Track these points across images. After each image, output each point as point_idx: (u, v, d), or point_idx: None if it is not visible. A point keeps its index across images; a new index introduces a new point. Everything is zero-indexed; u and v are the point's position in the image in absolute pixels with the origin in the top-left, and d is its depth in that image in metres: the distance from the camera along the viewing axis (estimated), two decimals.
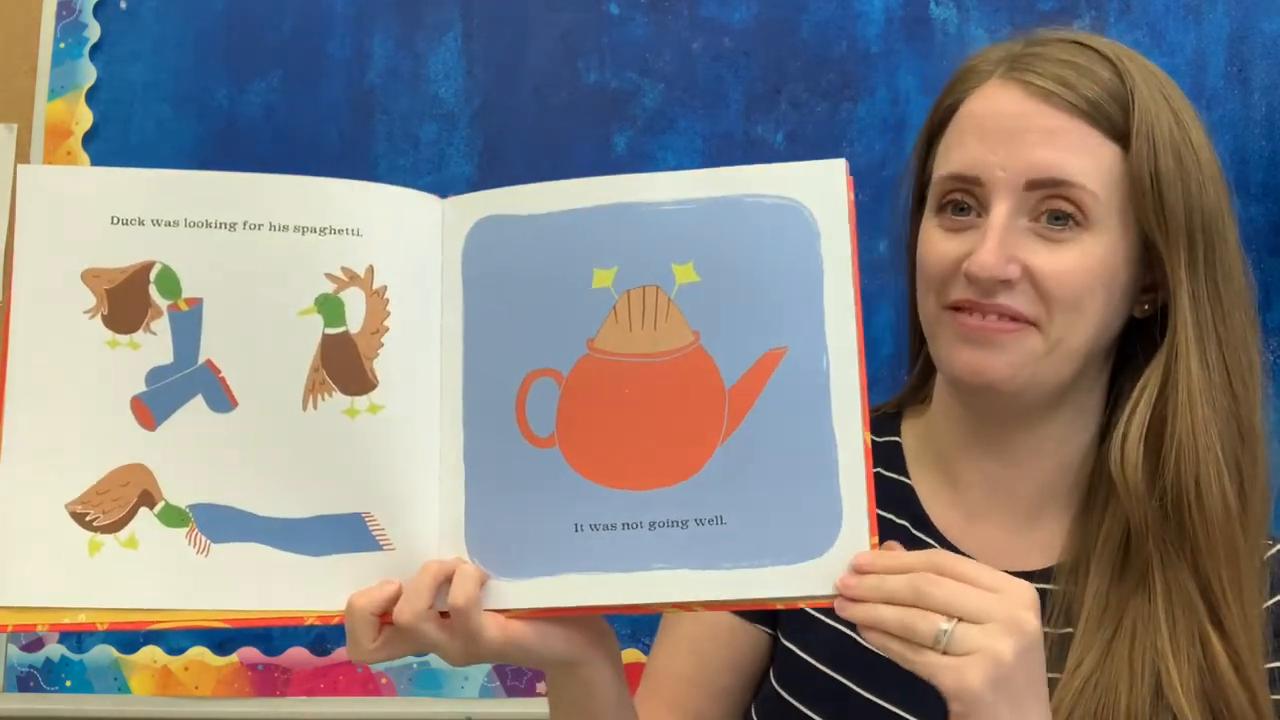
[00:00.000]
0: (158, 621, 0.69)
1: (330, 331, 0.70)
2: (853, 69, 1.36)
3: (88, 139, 1.35)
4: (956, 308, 0.79)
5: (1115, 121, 0.76)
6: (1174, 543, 0.77)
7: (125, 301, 0.70)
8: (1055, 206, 0.76)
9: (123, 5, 1.37)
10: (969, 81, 0.82)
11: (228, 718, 1.31)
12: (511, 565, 0.69)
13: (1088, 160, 0.76)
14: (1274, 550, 0.82)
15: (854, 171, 0.69)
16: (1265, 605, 0.80)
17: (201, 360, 0.70)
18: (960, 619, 0.62)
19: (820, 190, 0.68)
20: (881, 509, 0.82)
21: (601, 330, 0.69)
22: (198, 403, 0.70)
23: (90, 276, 0.70)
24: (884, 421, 0.93)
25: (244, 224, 0.70)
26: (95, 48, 1.36)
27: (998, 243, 0.76)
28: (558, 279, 0.70)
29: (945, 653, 0.62)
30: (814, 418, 0.67)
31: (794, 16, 1.37)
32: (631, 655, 1.31)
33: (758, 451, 0.67)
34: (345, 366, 0.70)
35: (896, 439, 0.91)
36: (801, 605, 0.67)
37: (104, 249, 0.71)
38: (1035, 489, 0.84)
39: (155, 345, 0.70)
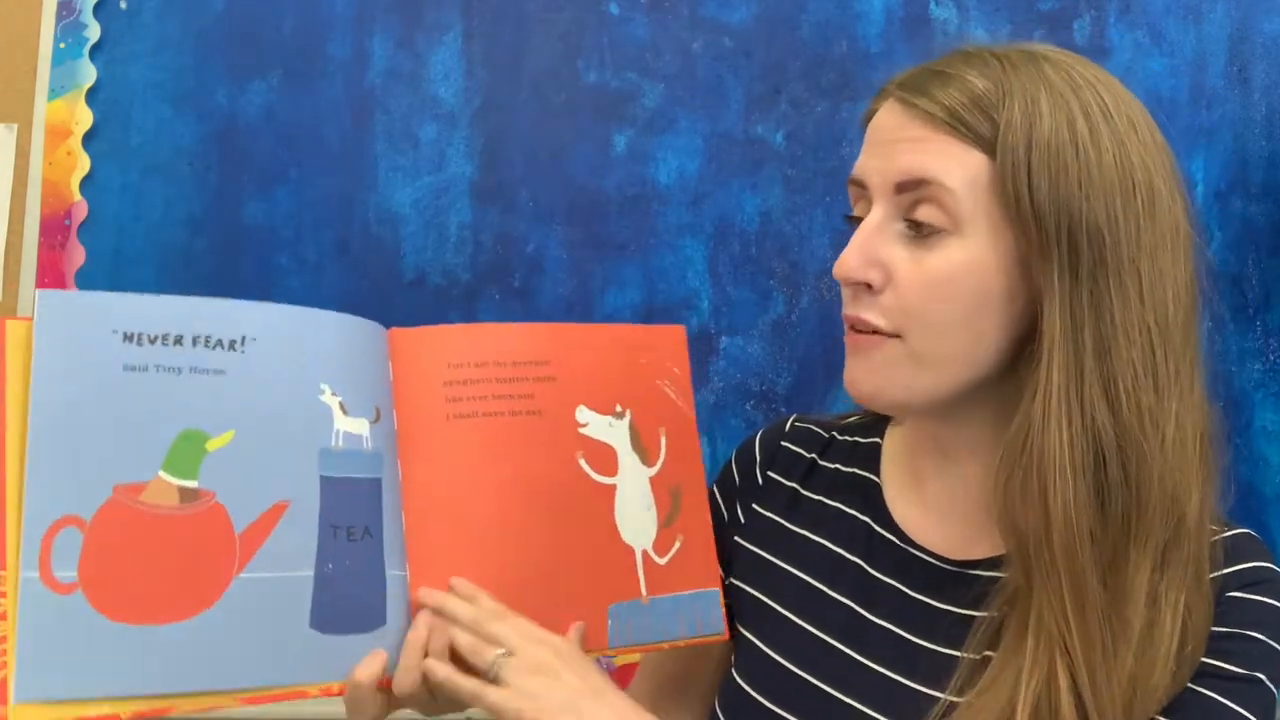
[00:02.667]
0: (175, 707, 0.75)
1: None
2: (853, 69, 1.36)
3: (88, 139, 1.35)
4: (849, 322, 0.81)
5: (979, 129, 0.76)
6: (1021, 565, 0.75)
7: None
8: (921, 209, 0.77)
9: (123, 5, 1.37)
10: (875, 102, 0.85)
11: (231, 717, 1.31)
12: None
13: (950, 164, 0.76)
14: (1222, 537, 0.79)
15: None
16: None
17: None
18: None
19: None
20: (848, 505, 0.91)
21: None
22: None
23: None
24: (874, 424, 0.96)
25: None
26: (95, 48, 1.36)
27: (859, 244, 0.78)
28: None
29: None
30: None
31: (794, 16, 1.37)
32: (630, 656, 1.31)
33: None
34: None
35: (879, 440, 0.94)
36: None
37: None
38: (989, 484, 0.82)
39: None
